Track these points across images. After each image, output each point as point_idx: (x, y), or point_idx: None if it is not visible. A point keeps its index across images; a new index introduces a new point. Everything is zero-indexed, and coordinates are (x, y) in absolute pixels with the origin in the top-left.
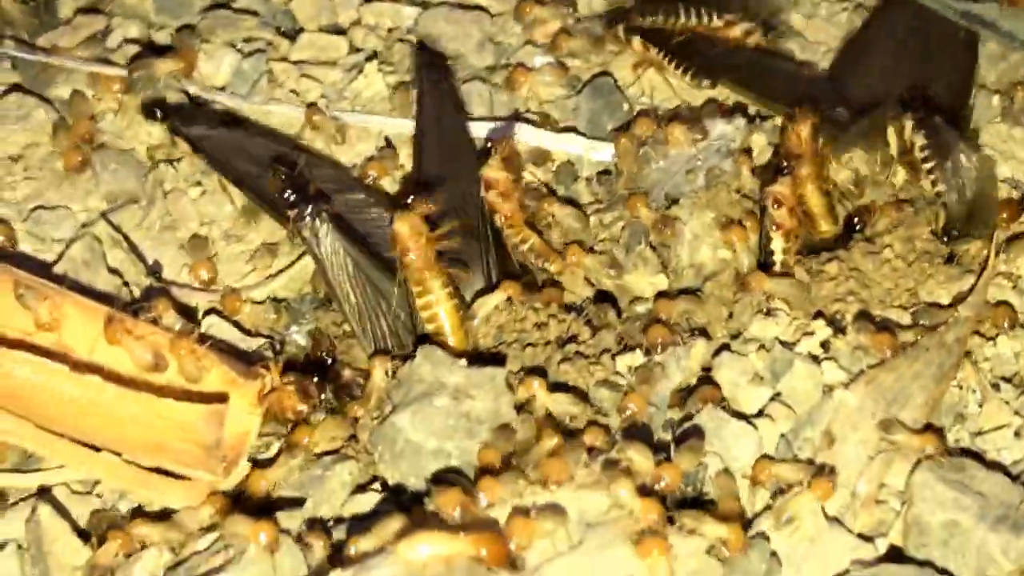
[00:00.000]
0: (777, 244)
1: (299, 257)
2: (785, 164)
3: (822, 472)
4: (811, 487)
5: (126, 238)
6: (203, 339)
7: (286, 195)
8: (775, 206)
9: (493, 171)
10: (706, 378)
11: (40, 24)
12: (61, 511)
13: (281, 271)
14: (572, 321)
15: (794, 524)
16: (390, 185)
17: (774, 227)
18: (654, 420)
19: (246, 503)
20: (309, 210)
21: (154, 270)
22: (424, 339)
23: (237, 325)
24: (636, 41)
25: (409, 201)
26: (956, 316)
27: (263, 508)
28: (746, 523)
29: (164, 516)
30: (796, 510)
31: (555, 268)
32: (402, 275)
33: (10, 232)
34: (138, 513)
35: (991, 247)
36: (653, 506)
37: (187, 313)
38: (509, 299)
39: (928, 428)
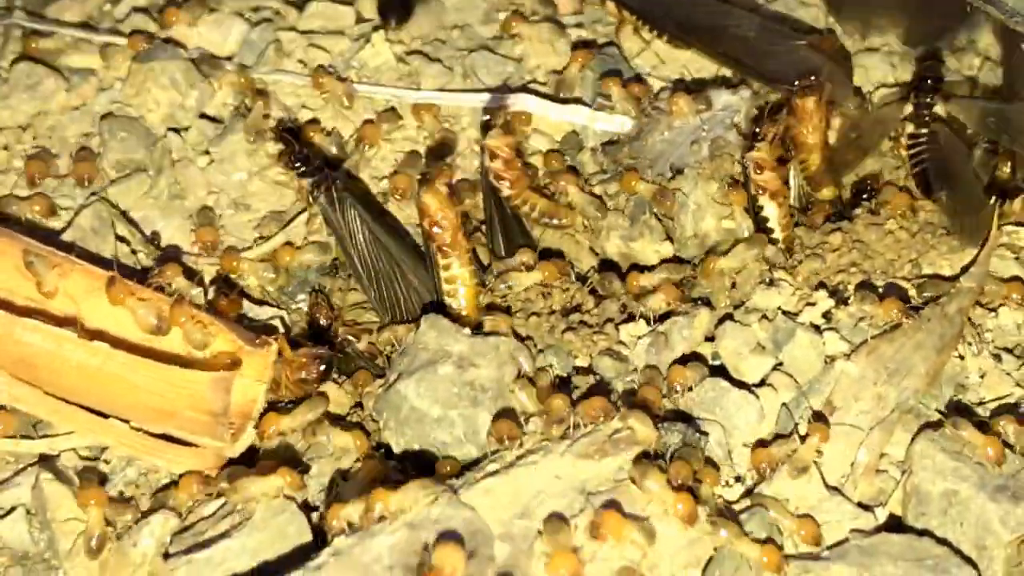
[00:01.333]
0: (770, 209)
1: (295, 217)
2: (760, 129)
3: (818, 419)
4: (810, 433)
5: (124, 213)
6: (210, 306)
7: (297, 164)
8: (757, 171)
9: (494, 140)
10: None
11: None
12: (63, 478)
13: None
14: (577, 290)
15: (808, 473)
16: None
17: (760, 191)
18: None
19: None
20: (324, 177)
21: (152, 239)
22: (432, 307)
23: (245, 294)
24: (610, 4)
25: (431, 173)
26: (958, 287)
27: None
28: (746, 492)
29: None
30: (805, 459)
31: (567, 221)
32: (429, 247)
33: (50, 204)
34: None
35: (993, 219)
36: (686, 499)
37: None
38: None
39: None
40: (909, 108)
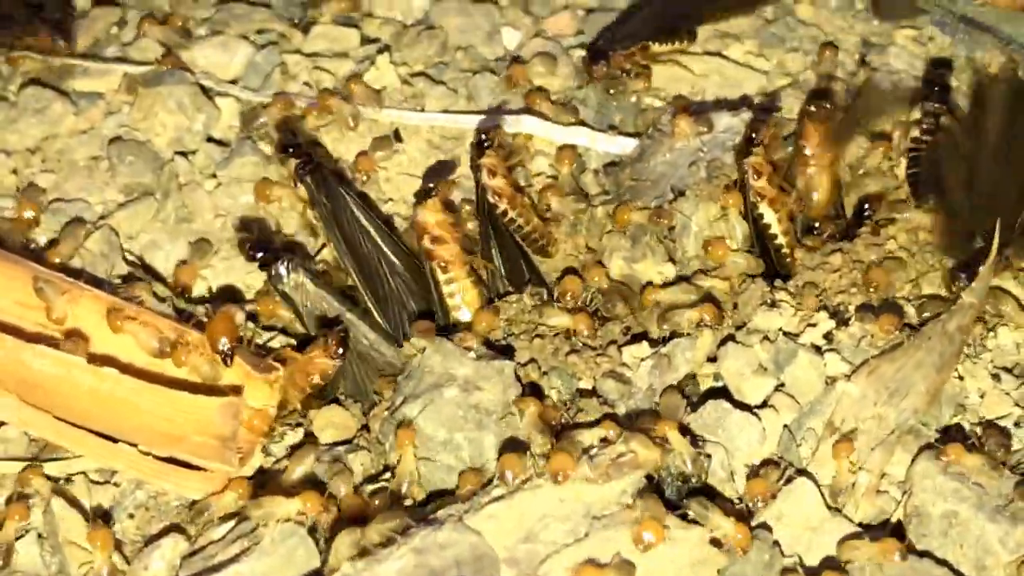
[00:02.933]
0: (769, 217)
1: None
2: (755, 135)
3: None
4: (836, 454)
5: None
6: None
7: (286, 148)
8: (755, 176)
9: (491, 158)
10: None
11: (58, 16)
12: (74, 503)
13: None
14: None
15: (848, 492)
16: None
17: (758, 198)
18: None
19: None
20: (310, 159)
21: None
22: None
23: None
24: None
25: (429, 188)
26: (959, 304)
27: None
28: (748, 514)
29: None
30: (843, 481)
31: (553, 251)
32: (429, 265)
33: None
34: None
35: (994, 236)
36: (742, 529)
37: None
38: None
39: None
40: (917, 113)
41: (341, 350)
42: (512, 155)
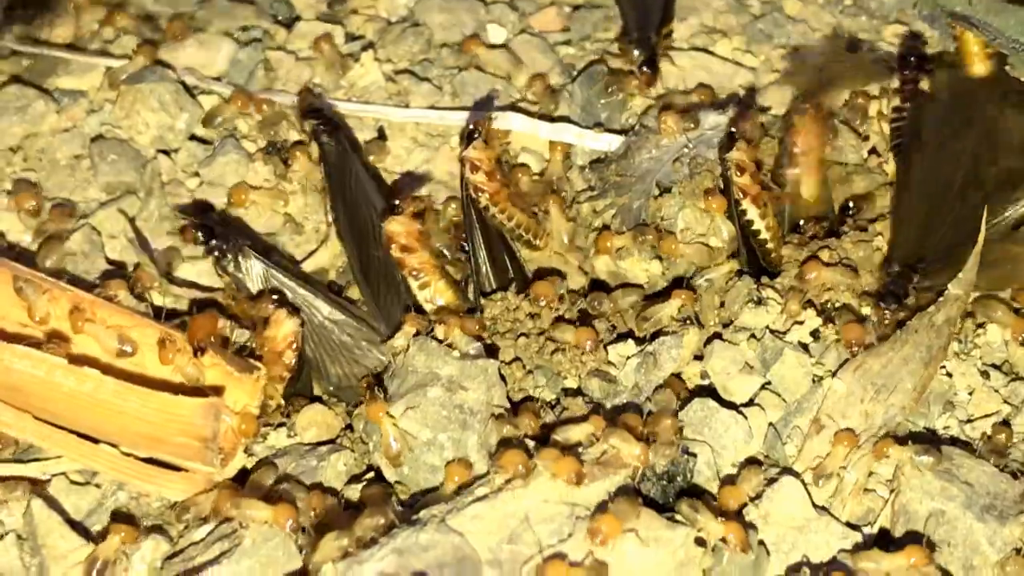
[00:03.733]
0: (752, 213)
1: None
2: (737, 129)
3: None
4: (837, 441)
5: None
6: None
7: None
8: (738, 173)
9: (476, 152)
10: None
11: (39, 14)
12: (54, 504)
13: None
14: (566, 311)
15: (833, 480)
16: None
17: (741, 195)
18: (644, 408)
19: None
20: (331, 128)
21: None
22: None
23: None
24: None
25: (398, 202)
26: (946, 296)
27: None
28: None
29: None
30: (832, 467)
31: (540, 243)
32: (400, 274)
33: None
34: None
35: (981, 228)
36: (734, 528)
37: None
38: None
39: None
40: (895, 82)
41: (279, 306)
42: (501, 148)
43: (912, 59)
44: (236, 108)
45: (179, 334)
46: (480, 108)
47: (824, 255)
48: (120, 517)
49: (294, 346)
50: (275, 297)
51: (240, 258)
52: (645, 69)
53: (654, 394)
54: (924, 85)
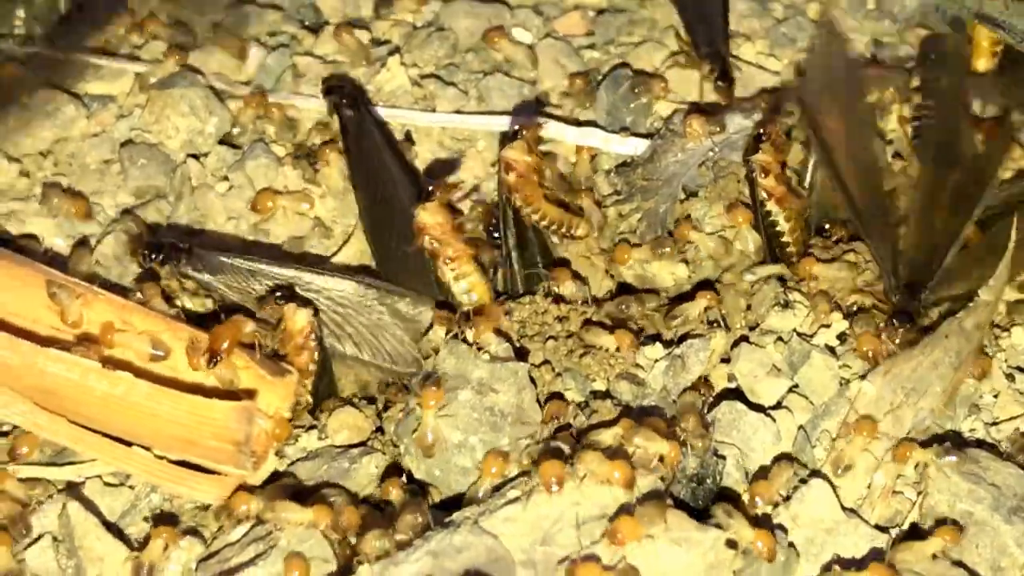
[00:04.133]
0: (777, 214)
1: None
2: (763, 132)
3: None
4: (856, 429)
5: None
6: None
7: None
8: (762, 175)
9: (515, 152)
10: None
11: (70, 19)
12: (89, 506)
13: None
14: (593, 314)
15: (852, 471)
16: None
17: (766, 196)
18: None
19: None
20: (347, 92)
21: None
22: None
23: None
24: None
25: (430, 189)
26: (976, 301)
27: (296, 497)
28: (764, 517)
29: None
30: (851, 456)
31: (581, 232)
32: (434, 264)
33: (87, 207)
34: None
35: (1012, 231)
36: (764, 536)
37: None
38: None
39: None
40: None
41: (288, 300)
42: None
43: (932, 58)
44: (252, 111)
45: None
46: (507, 113)
47: (850, 257)
48: (161, 519)
49: (312, 336)
50: (278, 294)
51: (186, 258)
52: (720, 82)
53: (679, 397)
54: (941, 85)
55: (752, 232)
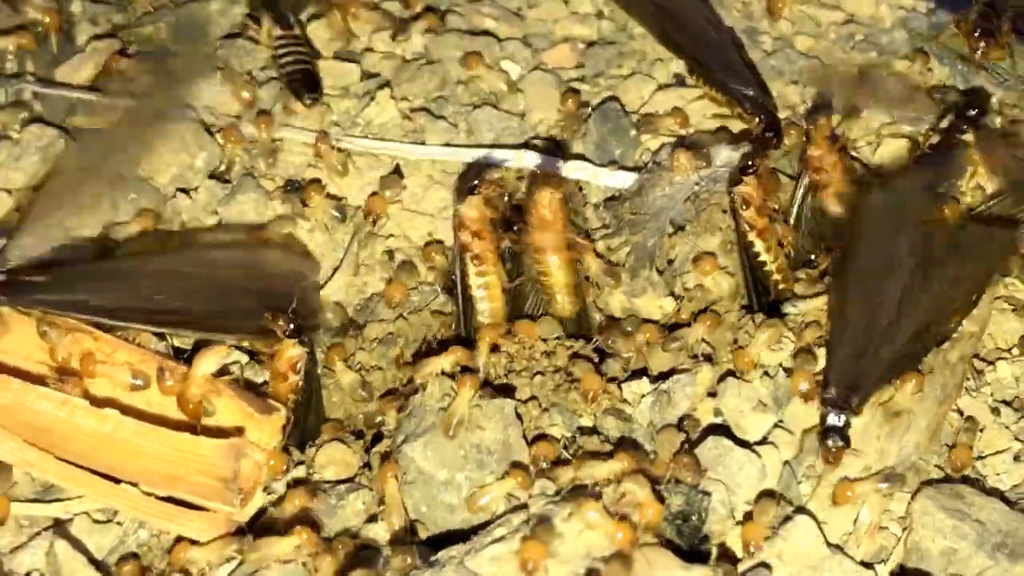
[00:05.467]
0: (759, 246)
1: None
2: (749, 164)
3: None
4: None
5: None
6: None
7: None
8: (744, 207)
9: (467, 208)
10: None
11: (59, 53)
12: (76, 543)
13: None
14: (580, 348)
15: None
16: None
17: (748, 228)
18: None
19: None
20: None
21: None
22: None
23: None
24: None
25: (475, 184)
26: (960, 333)
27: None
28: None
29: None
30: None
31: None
32: (461, 258)
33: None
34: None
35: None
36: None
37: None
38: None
39: None
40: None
41: (291, 326)
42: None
43: (972, 112)
44: (230, 143)
45: (179, 365)
46: (496, 146)
47: None
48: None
49: (299, 368)
50: (292, 327)
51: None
52: (770, 134)
53: (657, 435)
54: (967, 138)
55: (726, 276)
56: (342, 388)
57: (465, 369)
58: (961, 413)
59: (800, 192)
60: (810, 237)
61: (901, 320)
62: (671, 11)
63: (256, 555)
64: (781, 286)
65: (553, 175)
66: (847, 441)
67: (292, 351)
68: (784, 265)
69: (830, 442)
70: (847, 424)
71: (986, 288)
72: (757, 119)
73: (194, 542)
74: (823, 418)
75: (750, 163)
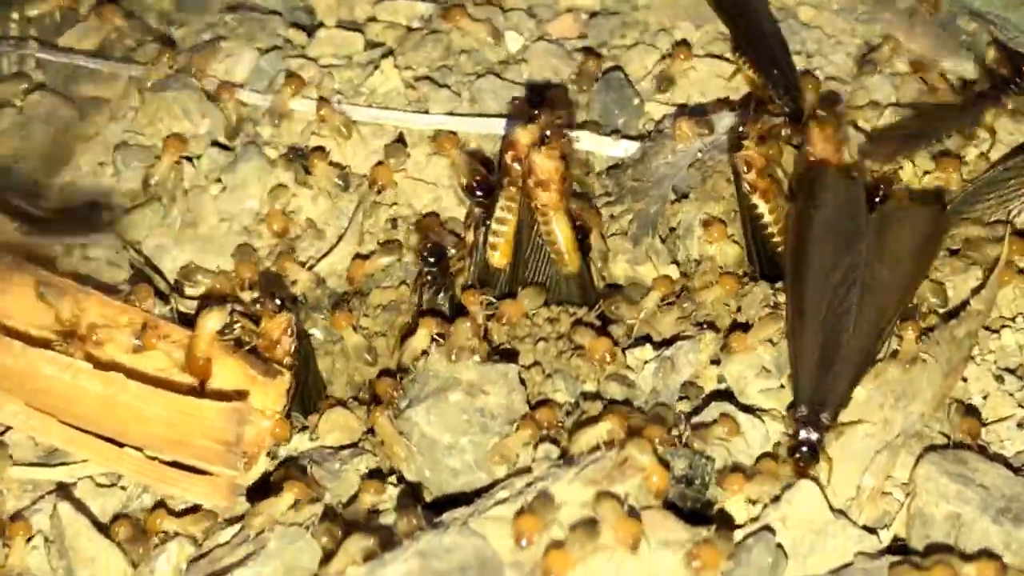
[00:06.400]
0: (762, 207)
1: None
2: (744, 128)
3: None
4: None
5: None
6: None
7: None
8: (746, 169)
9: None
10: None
11: (62, 21)
12: (80, 507)
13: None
14: (584, 315)
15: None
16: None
17: (750, 189)
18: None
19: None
20: None
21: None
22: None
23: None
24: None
25: (536, 113)
26: (968, 310)
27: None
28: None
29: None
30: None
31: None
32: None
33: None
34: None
35: (1005, 240)
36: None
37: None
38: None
39: None
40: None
41: (279, 302)
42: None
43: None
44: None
45: (174, 326)
46: (499, 116)
47: None
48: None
49: (290, 333)
50: (277, 301)
51: None
52: (792, 119)
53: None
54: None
55: (732, 245)
56: (347, 352)
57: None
58: (965, 380)
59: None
60: None
61: (858, 327)
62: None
63: (259, 519)
64: (782, 248)
65: (554, 133)
66: (817, 456)
67: (280, 317)
68: (786, 228)
69: (799, 456)
70: (820, 439)
71: (927, 272)
72: (784, 107)
73: (172, 512)
74: (795, 433)
75: (746, 127)
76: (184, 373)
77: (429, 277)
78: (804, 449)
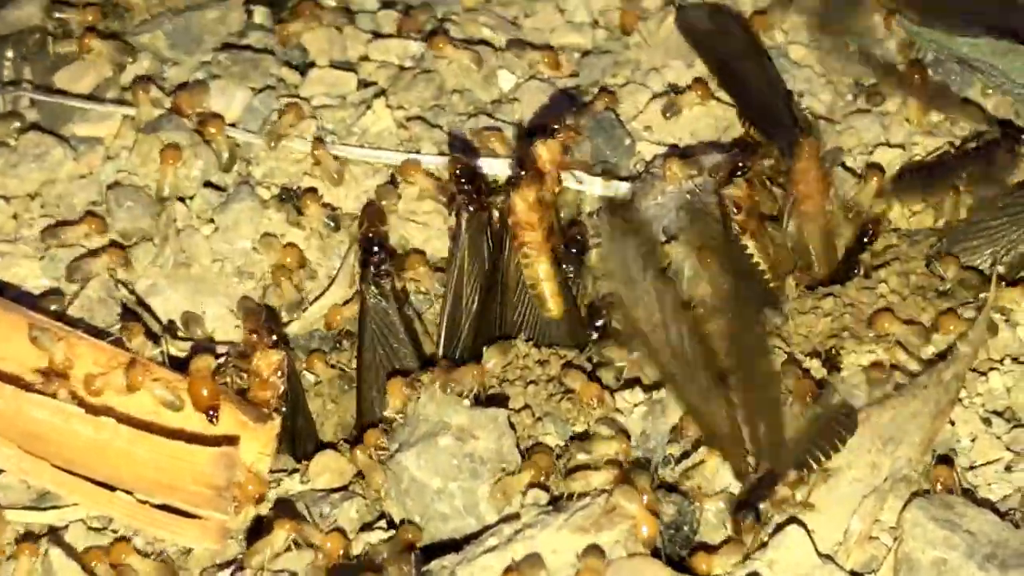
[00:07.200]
0: (752, 247)
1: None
2: (740, 166)
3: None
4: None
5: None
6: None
7: None
8: (735, 209)
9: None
10: None
11: (58, 61)
12: (70, 552)
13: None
14: (574, 357)
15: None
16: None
17: (740, 231)
18: (654, 456)
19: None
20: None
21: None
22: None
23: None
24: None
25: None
26: (956, 353)
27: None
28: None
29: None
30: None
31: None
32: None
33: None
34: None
35: (993, 282)
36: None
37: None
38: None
39: None
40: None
41: (272, 336)
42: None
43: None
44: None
45: (154, 366)
46: (491, 155)
47: (828, 303)
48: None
49: (280, 374)
50: (275, 338)
51: None
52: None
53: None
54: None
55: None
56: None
57: None
58: (952, 423)
59: (788, 207)
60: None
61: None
62: (729, 61)
63: (257, 558)
64: (772, 285)
65: (536, 174)
66: (759, 519)
67: (273, 355)
68: (776, 264)
69: (741, 517)
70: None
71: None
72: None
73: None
74: (746, 492)
75: (736, 167)
76: (169, 413)
77: (374, 268)
78: (748, 511)
